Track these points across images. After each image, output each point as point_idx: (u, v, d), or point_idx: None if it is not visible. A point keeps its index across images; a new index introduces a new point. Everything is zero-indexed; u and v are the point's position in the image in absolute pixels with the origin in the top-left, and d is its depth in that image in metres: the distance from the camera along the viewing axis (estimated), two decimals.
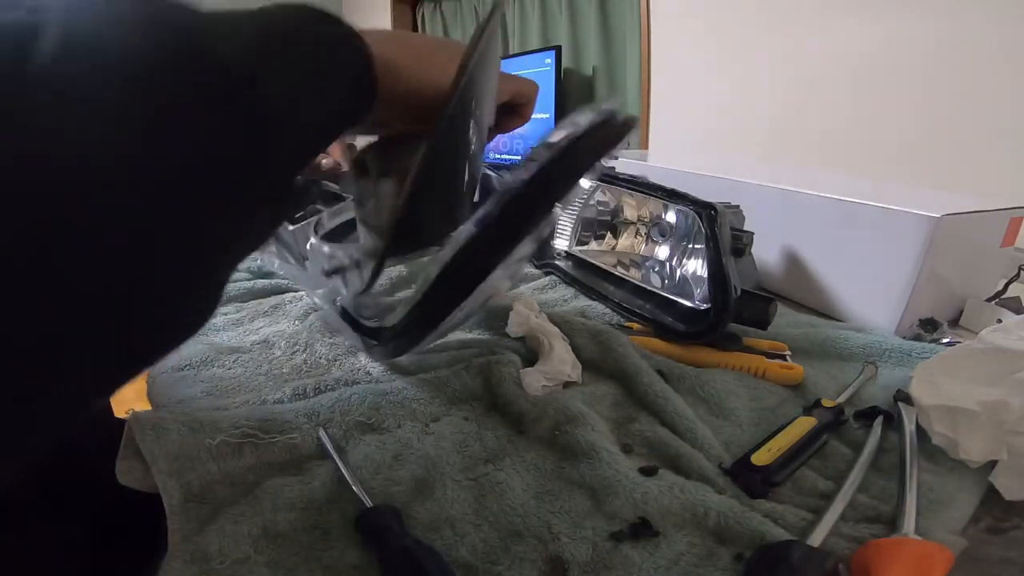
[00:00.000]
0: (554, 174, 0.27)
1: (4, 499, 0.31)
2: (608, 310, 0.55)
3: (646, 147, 1.91)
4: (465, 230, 0.27)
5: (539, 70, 2.15)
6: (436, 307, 0.30)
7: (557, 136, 0.28)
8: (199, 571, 0.25)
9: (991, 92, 1.05)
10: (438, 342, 0.48)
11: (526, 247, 0.30)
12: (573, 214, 0.65)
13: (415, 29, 3.34)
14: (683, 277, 0.54)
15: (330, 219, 0.56)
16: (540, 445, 0.35)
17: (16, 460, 0.16)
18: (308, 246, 0.53)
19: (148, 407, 0.39)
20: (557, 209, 0.28)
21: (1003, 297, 0.55)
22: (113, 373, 0.18)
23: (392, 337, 0.35)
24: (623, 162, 0.77)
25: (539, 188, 0.27)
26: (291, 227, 0.54)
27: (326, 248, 0.47)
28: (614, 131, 0.29)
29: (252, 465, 0.32)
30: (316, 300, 0.48)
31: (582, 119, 0.29)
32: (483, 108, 0.33)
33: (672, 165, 0.80)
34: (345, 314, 0.44)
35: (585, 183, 0.62)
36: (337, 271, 0.45)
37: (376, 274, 0.33)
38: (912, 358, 0.43)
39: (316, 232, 0.55)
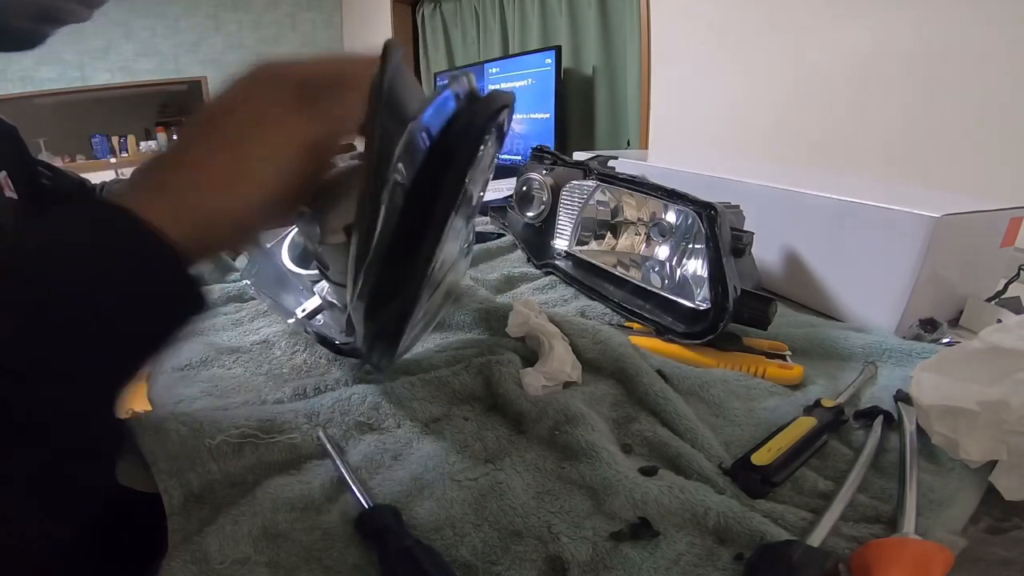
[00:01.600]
0: (433, 166, 0.25)
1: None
2: (608, 310, 0.55)
3: (646, 147, 1.91)
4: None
5: (539, 70, 2.15)
6: (386, 333, 0.29)
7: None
8: (199, 571, 0.25)
9: (991, 92, 1.05)
10: (438, 342, 0.48)
11: (453, 238, 0.28)
12: (573, 214, 0.65)
13: (415, 29, 3.34)
14: (683, 277, 0.54)
15: (300, 236, 0.55)
16: (540, 445, 0.35)
17: None
18: (281, 267, 0.53)
19: (148, 407, 0.39)
20: (469, 188, 0.26)
21: (1003, 297, 0.55)
22: None
23: (365, 359, 0.34)
24: (623, 162, 0.77)
25: (428, 182, 0.25)
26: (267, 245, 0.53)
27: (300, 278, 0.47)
28: (480, 108, 0.26)
29: (252, 465, 0.32)
30: (289, 323, 0.48)
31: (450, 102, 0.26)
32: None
33: (672, 165, 0.80)
34: (321, 339, 0.44)
35: (588, 182, 0.62)
36: (315, 314, 0.45)
37: (352, 323, 0.31)
38: (912, 358, 0.43)
39: (288, 251, 0.55)
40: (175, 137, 0.26)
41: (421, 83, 3.43)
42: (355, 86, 0.27)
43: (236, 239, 0.26)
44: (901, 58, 1.18)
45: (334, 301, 0.42)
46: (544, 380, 0.39)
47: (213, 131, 0.25)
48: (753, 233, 0.48)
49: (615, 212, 0.63)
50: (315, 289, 0.48)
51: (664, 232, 0.57)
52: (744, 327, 0.45)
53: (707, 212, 0.45)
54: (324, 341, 0.45)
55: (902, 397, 0.37)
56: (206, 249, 0.24)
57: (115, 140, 3.64)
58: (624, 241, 0.63)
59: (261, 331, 0.52)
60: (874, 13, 1.21)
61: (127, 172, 0.71)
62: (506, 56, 2.55)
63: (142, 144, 3.72)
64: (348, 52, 0.29)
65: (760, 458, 0.32)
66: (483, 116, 0.25)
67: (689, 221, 0.54)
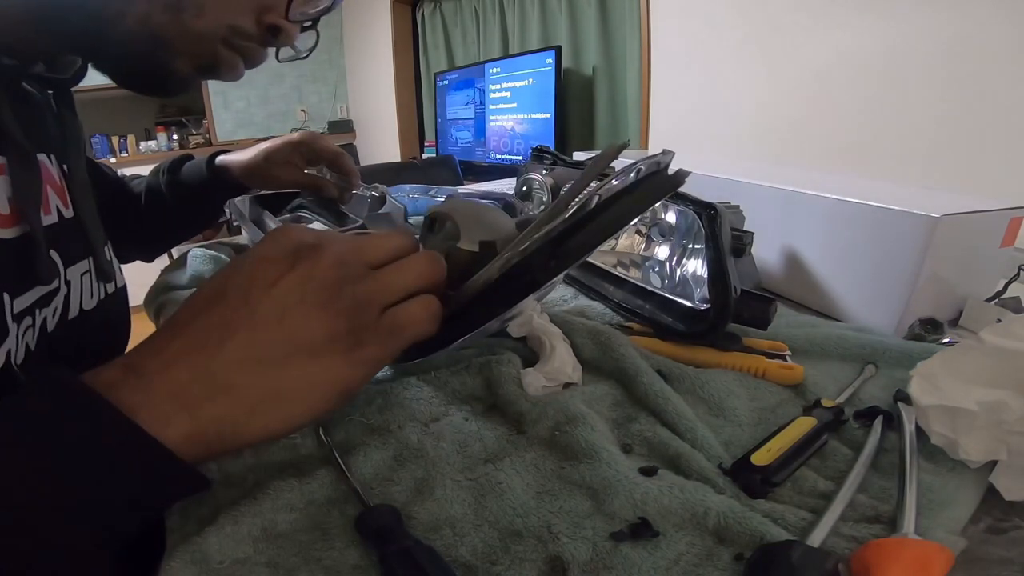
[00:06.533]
0: (606, 218, 0.29)
1: None
2: (608, 310, 0.55)
3: (646, 147, 1.91)
4: (522, 244, 0.28)
5: (539, 70, 2.15)
6: (474, 316, 0.31)
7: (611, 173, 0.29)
8: (199, 571, 0.25)
9: (990, 92, 1.05)
10: None
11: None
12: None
13: (415, 29, 3.34)
14: (683, 277, 0.54)
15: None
16: (540, 445, 0.35)
17: None
18: None
19: None
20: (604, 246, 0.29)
21: (1003, 297, 0.55)
22: None
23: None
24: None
25: (589, 231, 0.28)
26: None
27: None
28: (660, 185, 0.30)
29: (252, 465, 0.32)
30: None
31: (631, 169, 0.29)
32: None
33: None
34: None
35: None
36: None
37: None
38: (912, 358, 0.43)
39: None
40: (190, 315, 0.24)
41: (421, 83, 3.43)
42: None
43: (240, 449, 0.25)
44: (901, 59, 1.18)
45: None
46: (544, 380, 0.39)
47: (250, 339, 0.23)
48: (753, 233, 0.48)
49: None
50: None
51: (664, 232, 0.57)
52: (744, 327, 0.45)
53: (707, 212, 0.45)
54: None
55: (902, 397, 0.37)
56: (209, 458, 0.23)
57: (115, 140, 3.64)
58: (624, 241, 0.63)
59: None
60: (875, 13, 1.21)
61: (127, 172, 0.72)
62: (506, 56, 2.55)
63: (142, 144, 3.72)
64: (401, 238, 0.28)
65: (760, 458, 0.32)
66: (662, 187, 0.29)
67: (689, 221, 0.54)
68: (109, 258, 0.45)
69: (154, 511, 0.23)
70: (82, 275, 0.41)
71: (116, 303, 0.47)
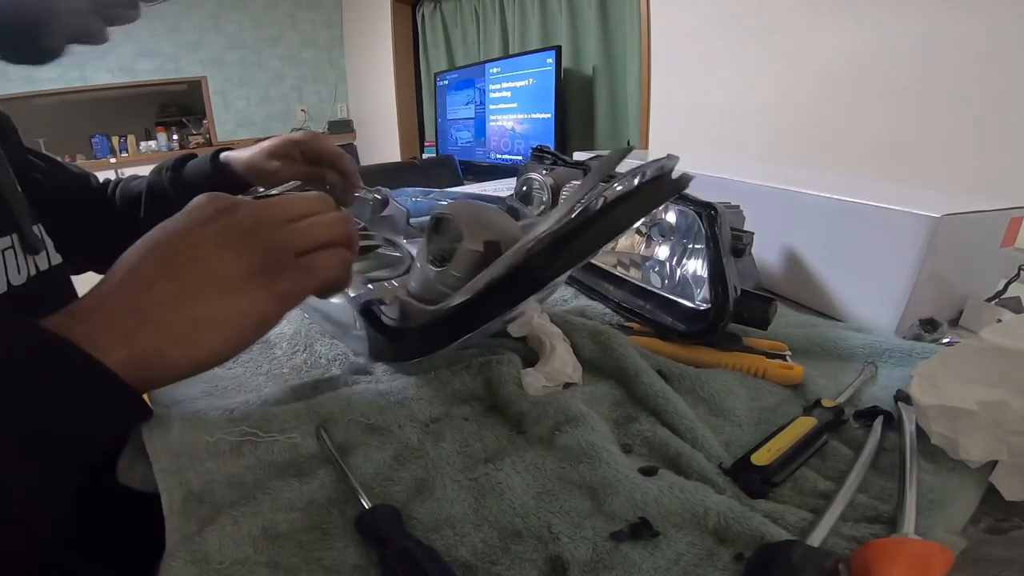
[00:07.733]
0: (612, 216, 0.29)
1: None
2: (608, 310, 0.55)
3: (646, 147, 1.91)
4: (531, 240, 0.29)
5: (539, 70, 2.15)
6: (479, 313, 0.31)
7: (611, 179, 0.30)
8: (199, 571, 0.25)
9: (991, 92, 1.05)
10: None
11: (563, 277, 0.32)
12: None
13: (415, 29, 3.34)
14: (683, 277, 0.54)
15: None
16: (540, 445, 0.35)
17: None
18: None
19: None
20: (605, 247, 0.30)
21: (1003, 297, 0.55)
22: None
23: (419, 336, 0.35)
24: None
25: (597, 228, 0.29)
26: None
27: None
28: (664, 189, 0.31)
29: (252, 465, 0.32)
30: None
31: (636, 174, 0.30)
32: None
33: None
34: (366, 311, 0.43)
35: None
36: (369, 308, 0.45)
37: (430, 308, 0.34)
38: (912, 358, 0.43)
39: None
40: (126, 265, 0.27)
41: (421, 83, 3.43)
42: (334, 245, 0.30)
43: (176, 379, 0.28)
44: (902, 58, 1.18)
45: (416, 284, 0.43)
46: (544, 380, 0.39)
47: (174, 279, 0.26)
48: (753, 233, 0.48)
49: None
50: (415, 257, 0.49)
51: (664, 232, 0.57)
52: (744, 327, 0.45)
53: (707, 212, 0.45)
54: (368, 313, 0.44)
55: (902, 397, 0.37)
56: (148, 386, 0.27)
57: (115, 140, 3.64)
58: (624, 241, 0.63)
59: None
60: (875, 13, 1.21)
61: (127, 172, 0.72)
62: (506, 56, 2.55)
63: (142, 144, 3.72)
64: (318, 200, 0.31)
65: (760, 458, 0.32)
66: (668, 191, 0.31)
67: (689, 221, 0.54)
68: (40, 236, 0.46)
69: (99, 435, 0.26)
70: (3, 251, 0.41)
71: (54, 280, 0.47)
